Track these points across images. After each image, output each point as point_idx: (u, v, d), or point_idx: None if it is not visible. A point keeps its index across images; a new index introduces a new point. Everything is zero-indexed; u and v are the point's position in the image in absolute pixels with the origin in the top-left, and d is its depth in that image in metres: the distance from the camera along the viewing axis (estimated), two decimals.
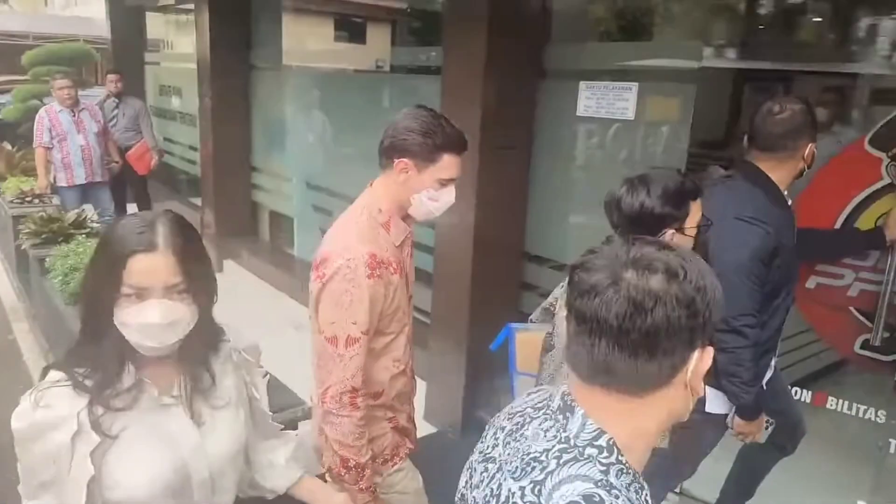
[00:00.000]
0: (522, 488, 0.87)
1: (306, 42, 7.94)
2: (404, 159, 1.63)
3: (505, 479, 0.91)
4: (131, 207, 6.46)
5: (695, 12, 3.77)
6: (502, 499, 0.89)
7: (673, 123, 2.83)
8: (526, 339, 1.97)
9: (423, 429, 3.46)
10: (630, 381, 0.85)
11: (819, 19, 5.49)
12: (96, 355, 1.16)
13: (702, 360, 0.87)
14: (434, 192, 1.65)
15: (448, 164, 1.64)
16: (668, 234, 1.67)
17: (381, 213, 1.70)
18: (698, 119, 2.74)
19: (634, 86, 2.76)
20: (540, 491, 0.85)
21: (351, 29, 10.51)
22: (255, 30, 5.61)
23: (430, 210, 1.69)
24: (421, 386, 3.66)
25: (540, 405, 0.97)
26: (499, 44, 3.00)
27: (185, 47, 7.49)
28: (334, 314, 1.57)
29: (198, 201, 6.27)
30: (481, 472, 0.97)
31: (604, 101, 2.86)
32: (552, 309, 1.93)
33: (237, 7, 5.50)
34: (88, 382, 1.15)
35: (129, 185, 6.33)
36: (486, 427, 1.05)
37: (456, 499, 1.03)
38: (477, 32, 3.01)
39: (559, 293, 1.92)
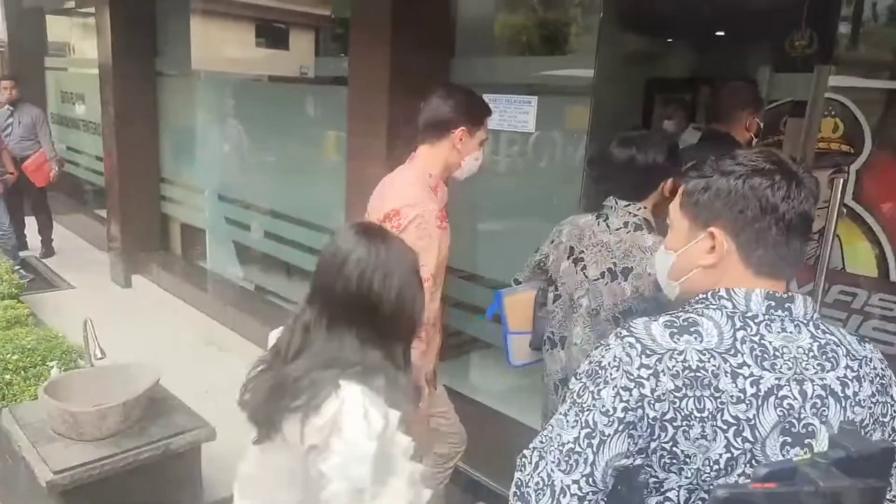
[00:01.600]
0: None
1: (224, 47, 7.73)
2: (462, 127, 1.95)
3: None
4: (29, 221, 6.11)
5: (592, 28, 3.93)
6: None
7: (571, 134, 2.93)
8: (515, 301, 2.12)
9: None
10: None
11: (721, 33, 5.86)
12: None
13: None
14: (478, 153, 2.01)
15: (486, 127, 2.03)
16: (670, 183, 1.89)
17: (431, 178, 1.99)
18: (597, 128, 2.86)
19: (534, 99, 2.84)
20: None
21: (273, 35, 10.31)
22: (163, 34, 5.42)
23: (474, 169, 2.04)
24: None
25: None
26: (403, 57, 3.02)
27: (89, 52, 7.16)
28: (424, 257, 1.71)
29: (104, 213, 5.99)
30: None
31: (506, 114, 2.92)
32: (543, 265, 2.08)
33: (142, 10, 5.30)
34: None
35: (26, 197, 5.98)
36: None
37: None
38: (381, 46, 3.02)
39: (546, 250, 2.07)
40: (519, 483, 0.96)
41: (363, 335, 1.22)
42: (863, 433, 0.94)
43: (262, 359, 1.33)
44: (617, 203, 1.91)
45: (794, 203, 0.94)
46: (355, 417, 1.14)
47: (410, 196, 1.90)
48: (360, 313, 1.22)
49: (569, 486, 0.91)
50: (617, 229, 1.89)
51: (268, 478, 1.29)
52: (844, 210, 2.14)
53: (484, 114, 2.02)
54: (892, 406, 0.97)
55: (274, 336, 1.38)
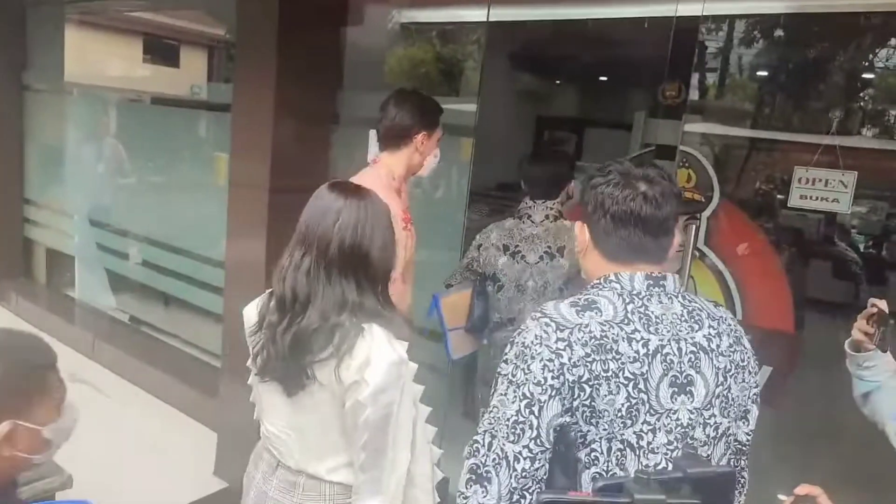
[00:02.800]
0: None
1: (106, 62, 7.30)
2: (423, 132, 2.06)
3: None
4: None
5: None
6: None
7: (458, 166, 3.00)
8: (450, 302, 2.44)
9: (214, 484, 3.24)
10: None
11: (604, 78, 6.26)
12: None
13: None
14: (436, 150, 2.14)
15: (440, 126, 2.14)
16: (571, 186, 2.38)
17: (394, 181, 2.07)
18: (479, 161, 3.02)
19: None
20: None
21: (162, 51, 9.89)
22: (33, 46, 5.04)
23: (434, 165, 2.17)
24: (211, 437, 3.45)
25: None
26: (289, 87, 2.98)
27: None
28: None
29: None
30: None
31: None
32: (471, 268, 2.45)
33: (8, 22, 4.92)
34: None
35: None
36: None
37: None
38: (266, 75, 2.97)
39: (474, 254, 2.44)
40: (475, 467, 1.11)
41: (358, 281, 1.38)
42: (727, 379, 1.18)
43: (267, 322, 1.44)
44: (535, 202, 2.35)
45: (620, 202, 1.16)
46: (384, 351, 1.34)
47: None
48: (355, 262, 1.38)
49: (520, 452, 1.08)
50: (541, 221, 2.33)
51: (306, 421, 1.44)
52: (697, 253, 2.33)
53: (438, 113, 2.15)
54: (746, 353, 1.22)
55: (251, 310, 1.57)
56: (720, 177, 2.89)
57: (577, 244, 1.27)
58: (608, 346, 1.10)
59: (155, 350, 4.17)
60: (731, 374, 1.18)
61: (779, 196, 3.59)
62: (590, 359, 1.09)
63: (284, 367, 1.40)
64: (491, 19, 3.21)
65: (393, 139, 2.08)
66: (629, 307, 1.14)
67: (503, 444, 1.09)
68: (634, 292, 1.15)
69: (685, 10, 2.64)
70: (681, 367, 1.13)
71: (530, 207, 2.36)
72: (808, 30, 3.03)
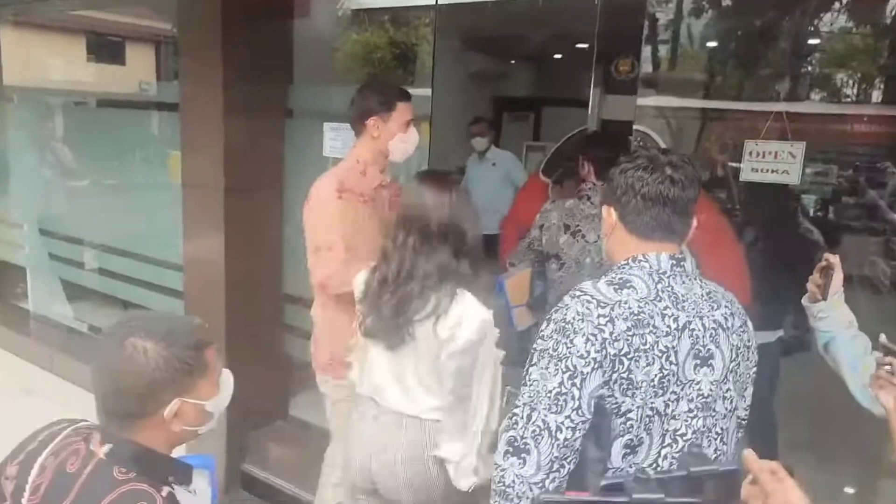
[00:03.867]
0: None
1: (47, 61, 7.02)
2: (372, 117, 2.13)
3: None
4: None
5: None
6: None
7: (417, 152, 2.97)
8: (514, 282, 2.63)
9: None
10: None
11: (559, 56, 6.25)
12: None
13: None
14: (403, 134, 2.16)
15: (403, 109, 2.16)
16: None
17: (358, 164, 2.18)
18: (437, 145, 3.05)
19: None
20: None
21: (107, 49, 9.55)
22: None
23: (405, 149, 2.21)
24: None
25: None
26: (237, 84, 2.91)
27: None
28: (312, 229, 2.09)
29: None
30: None
31: (348, 142, 2.88)
32: (533, 247, 2.58)
33: None
34: None
35: None
36: None
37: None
38: (212, 72, 2.89)
39: (536, 233, 2.56)
40: (513, 439, 1.16)
41: (451, 254, 1.64)
42: (738, 356, 1.26)
43: (372, 291, 1.76)
44: (595, 184, 2.44)
45: (650, 183, 1.24)
46: (474, 313, 1.63)
47: (321, 180, 2.15)
48: (448, 238, 1.66)
49: (563, 423, 1.14)
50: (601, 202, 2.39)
51: (406, 371, 1.75)
52: None
53: (392, 98, 2.17)
54: (750, 333, 1.32)
55: (360, 281, 1.84)
56: (676, 149, 2.92)
57: (603, 226, 1.34)
58: (645, 321, 1.17)
59: None
60: (740, 351, 1.28)
61: (732, 164, 3.66)
62: (630, 333, 1.16)
63: (388, 328, 1.70)
64: (441, 2, 3.18)
65: (354, 125, 2.21)
66: (659, 286, 1.23)
67: (545, 416, 1.15)
68: (661, 271, 1.24)
69: None
70: (703, 342, 1.22)
71: (590, 189, 2.46)
72: None
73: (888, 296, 3.17)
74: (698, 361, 1.21)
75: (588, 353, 1.15)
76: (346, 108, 3.09)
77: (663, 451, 1.20)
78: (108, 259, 4.21)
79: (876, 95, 4.37)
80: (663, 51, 4.54)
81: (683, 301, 1.22)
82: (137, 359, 1.02)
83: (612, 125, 3.93)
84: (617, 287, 1.22)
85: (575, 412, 1.15)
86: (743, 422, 1.35)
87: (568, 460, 1.15)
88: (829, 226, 3.10)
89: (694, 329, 1.21)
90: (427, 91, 3.13)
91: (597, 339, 1.15)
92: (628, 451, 1.19)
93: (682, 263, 1.25)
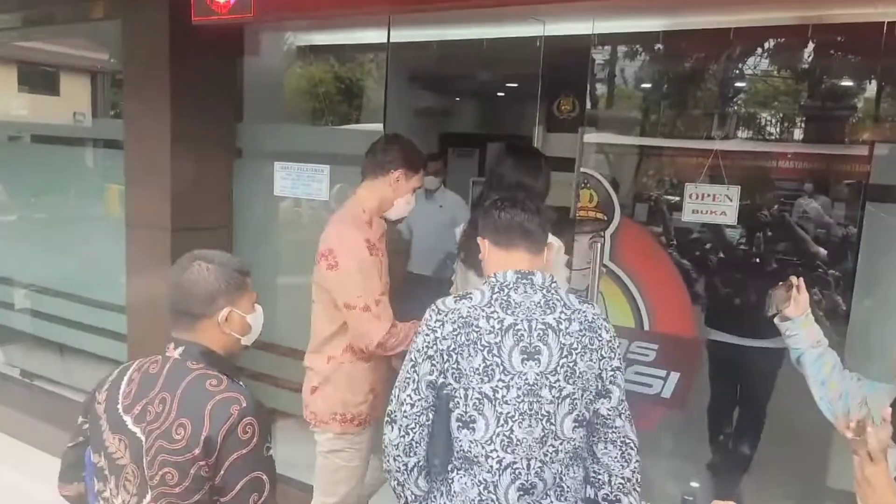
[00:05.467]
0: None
1: None
2: (401, 169, 2.13)
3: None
4: None
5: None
6: None
7: None
8: None
9: None
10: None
11: (502, 94, 6.43)
12: None
13: None
14: (409, 197, 2.20)
15: (420, 177, 2.23)
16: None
17: (364, 213, 2.16)
18: None
19: (327, 168, 2.85)
20: None
21: (40, 79, 9.22)
22: None
23: (404, 212, 2.24)
24: None
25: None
26: (185, 120, 2.88)
27: None
28: (358, 290, 2.03)
29: None
30: None
31: (299, 182, 2.89)
32: None
33: None
34: None
35: None
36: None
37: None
38: (159, 106, 2.86)
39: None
40: (389, 412, 1.55)
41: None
42: (572, 354, 1.48)
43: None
44: None
45: (504, 213, 1.57)
46: (557, 245, 1.90)
47: (341, 234, 2.11)
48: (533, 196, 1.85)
49: (409, 396, 1.51)
50: None
51: None
52: (604, 269, 2.44)
53: (421, 163, 2.26)
54: (598, 339, 1.52)
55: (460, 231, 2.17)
56: (617, 180, 3.05)
57: (482, 254, 1.63)
58: (471, 323, 1.48)
59: (53, 406, 3.86)
60: (577, 351, 1.49)
61: (667, 197, 3.83)
62: (455, 332, 1.48)
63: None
64: (392, 40, 3.24)
65: (372, 169, 2.18)
66: (495, 295, 1.51)
67: (399, 394, 1.53)
68: (504, 283, 1.52)
69: (576, 30, 2.78)
70: (530, 340, 1.47)
71: None
72: (685, 44, 3.26)
73: (820, 324, 3.34)
74: (525, 356, 1.47)
75: (422, 347, 1.51)
76: (296, 148, 3.13)
77: (498, 430, 1.46)
78: (40, 299, 4.03)
79: (798, 134, 4.69)
80: (603, 90, 4.74)
81: (516, 307, 1.49)
82: (202, 273, 1.36)
83: (554, 161, 4.06)
84: (458, 299, 1.54)
85: (414, 391, 1.51)
86: (608, 420, 1.54)
87: (412, 428, 1.51)
88: (757, 257, 3.25)
89: (519, 329, 1.48)
90: (374, 126, 3.16)
91: (430, 338, 1.50)
92: (461, 425, 1.49)
93: (528, 277, 1.53)
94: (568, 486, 1.53)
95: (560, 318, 1.49)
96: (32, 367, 4.18)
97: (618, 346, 1.57)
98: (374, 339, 2.03)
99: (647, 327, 2.44)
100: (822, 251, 3.32)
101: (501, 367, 1.45)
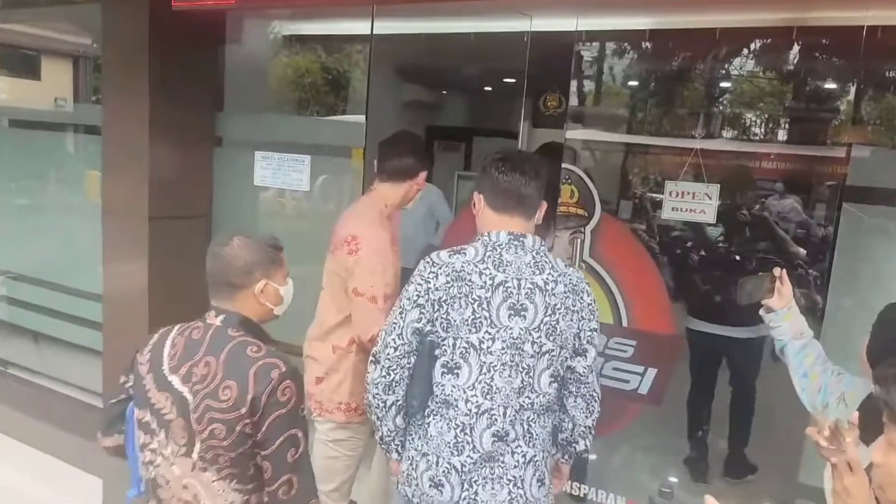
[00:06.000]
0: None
1: None
2: (424, 171, 2.24)
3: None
4: None
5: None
6: None
7: (349, 178, 2.98)
8: None
9: None
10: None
11: (489, 89, 6.42)
12: None
13: None
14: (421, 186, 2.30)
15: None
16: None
17: (386, 208, 2.23)
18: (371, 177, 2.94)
19: (307, 158, 2.82)
20: None
21: (20, 63, 9.06)
22: None
23: (417, 200, 2.34)
24: (96, 484, 3.20)
25: None
26: (164, 107, 2.84)
27: None
28: (372, 279, 2.07)
29: None
30: None
31: (280, 172, 2.87)
32: None
33: None
34: None
35: None
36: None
37: None
38: (138, 93, 2.81)
39: None
40: (374, 352, 1.66)
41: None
42: (555, 313, 1.58)
43: None
44: None
45: (503, 177, 1.62)
46: None
47: (365, 224, 2.15)
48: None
49: (394, 340, 1.62)
50: None
51: None
52: (584, 265, 2.44)
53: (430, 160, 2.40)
54: (581, 302, 1.62)
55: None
56: (600, 178, 3.04)
57: (475, 207, 1.68)
58: (464, 277, 1.57)
59: (27, 394, 3.81)
60: (559, 311, 1.59)
61: (650, 195, 3.84)
62: (448, 285, 1.57)
63: None
64: (376, 32, 3.21)
65: (399, 174, 2.23)
66: (489, 253, 1.60)
67: (385, 337, 1.64)
68: (497, 243, 1.60)
69: (561, 26, 2.77)
70: (518, 298, 1.57)
71: None
72: (669, 43, 3.27)
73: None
74: (512, 311, 1.57)
75: (412, 296, 1.60)
76: (278, 138, 3.10)
77: (480, 377, 1.58)
78: (15, 287, 3.97)
79: (780, 134, 4.72)
80: (589, 87, 4.74)
81: (507, 265, 1.58)
82: (241, 247, 1.48)
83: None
84: (452, 253, 1.62)
85: (398, 336, 1.62)
86: (582, 376, 1.66)
87: (393, 370, 1.62)
88: (737, 255, 3.28)
89: (509, 286, 1.57)
90: (359, 118, 3.14)
91: (422, 287, 1.60)
92: (446, 370, 1.60)
93: (520, 239, 1.61)
94: (536, 435, 1.64)
95: (547, 279, 1.59)
96: (6, 356, 4.13)
97: (597, 309, 1.68)
98: (371, 331, 2.02)
99: (625, 323, 2.45)
100: (802, 251, 3.35)
101: (489, 321, 1.56)
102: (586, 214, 2.50)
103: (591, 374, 1.66)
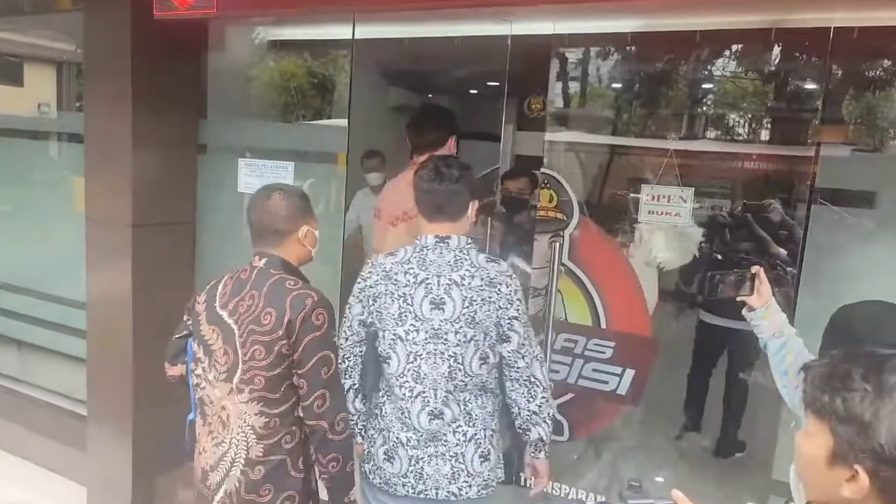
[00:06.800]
0: None
1: None
2: (454, 136, 2.40)
3: None
4: None
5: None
6: None
7: (335, 182, 3.01)
8: None
9: None
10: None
11: (474, 91, 6.45)
12: None
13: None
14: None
15: None
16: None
17: None
18: (353, 179, 3.12)
19: (291, 164, 2.84)
20: None
21: (3, 70, 8.99)
22: None
23: None
24: (80, 493, 3.20)
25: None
26: (147, 114, 2.85)
27: None
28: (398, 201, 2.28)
29: None
30: None
31: (264, 179, 2.87)
32: None
33: None
34: None
35: None
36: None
37: None
38: (121, 99, 2.82)
39: None
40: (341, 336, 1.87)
41: None
42: (472, 305, 1.75)
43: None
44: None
45: (426, 185, 1.81)
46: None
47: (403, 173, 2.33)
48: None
49: (345, 331, 1.86)
50: None
51: None
52: (563, 268, 2.47)
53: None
54: (497, 293, 1.76)
55: None
56: (585, 180, 3.07)
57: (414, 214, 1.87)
58: (391, 276, 1.79)
59: (10, 403, 3.80)
60: (476, 302, 1.75)
61: (632, 195, 3.88)
62: (378, 282, 1.80)
63: None
64: (359, 37, 3.23)
65: (430, 146, 2.37)
66: (415, 254, 1.80)
67: (340, 329, 1.87)
68: (424, 246, 1.80)
69: (540, 30, 2.80)
70: (437, 293, 1.75)
71: None
72: (648, 47, 3.31)
73: None
74: (433, 305, 1.75)
75: (356, 293, 1.85)
76: (262, 144, 3.11)
77: (408, 366, 1.77)
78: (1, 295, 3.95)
79: (764, 135, 4.77)
80: (569, 90, 4.77)
81: (429, 265, 1.77)
82: (283, 200, 1.71)
83: (524, 160, 4.10)
84: (387, 255, 1.85)
85: (348, 328, 1.86)
86: (511, 360, 1.80)
87: (347, 357, 1.84)
88: (720, 254, 3.33)
89: (430, 283, 1.76)
90: (339, 122, 3.16)
91: (360, 285, 1.84)
92: (382, 359, 1.81)
93: (445, 240, 1.80)
94: (476, 415, 1.79)
95: (464, 274, 1.76)
96: None
97: (518, 299, 1.79)
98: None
99: (604, 325, 2.48)
100: (783, 251, 3.39)
101: (413, 314, 1.76)
102: (565, 218, 2.54)
103: (522, 359, 1.79)
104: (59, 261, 3.57)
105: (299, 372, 1.59)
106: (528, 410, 1.81)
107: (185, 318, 1.81)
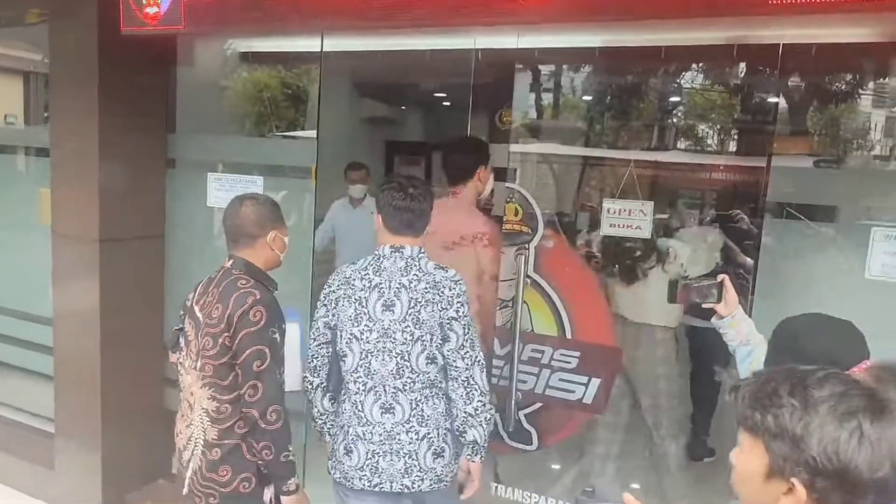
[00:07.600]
0: None
1: None
2: (482, 166, 2.54)
3: None
4: None
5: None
6: None
7: (308, 195, 3.02)
8: None
9: None
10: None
11: (448, 104, 6.51)
12: None
13: None
14: (491, 177, 2.62)
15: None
16: None
17: (470, 205, 2.54)
18: (323, 188, 3.09)
19: (260, 179, 2.85)
20: None
21: None
22: None
23: (490, 189, 2.66)
24: None
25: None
26: (115, 127, 2.85)
27: None
28: (497, 267, 2.43)
29: None
30: None
31: (233, 193, 2.85)
32: None
33: None
34: None
35: None
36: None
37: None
38: (88, 112, 2.81)
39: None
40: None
41: None
42: (417, 306, 1.88)
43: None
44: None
45: (397, 202, 1.93)
46: None
47: (482, 222, 2.49)
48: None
49: (313, 333, 2.01)
50: None
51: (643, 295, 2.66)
52: (529, 280, 2.51)
53: (488, 150, 2.67)
54: (441, 296, 1.89)
55: None
56: (558, 191, 3.09)
57: (375, 226, 1.98)
58: (349, 281, 1.95)
59: None
60: (421, 304, 1.88)
61: (592, 205, 3.94)
62: (338, 287, 1.96)
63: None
64: (328, 49, 3.25)
65: (463, 178, 2.53)
66: (371, 262, 1.95)
67: (311, 331, 2.01)
68: (380, 255, 1.94)
69: (503, 44, 2.85)
70: (388, 296, 1.90)
71: None
72: (622, 61, 3.37)
73: None
74: (384, 307, 1.89)
75: (321, 298, 1.99)
76: (231, 159, 3.11)
77: (361, 362, 1.90)
78: None
79: (732, 146, 4.89)
80: (543, 101, 4.84)
81: (383, 271, 1.92)
82: (254, 207, 1.88)
83: (496, 171, 4.15)
84: (349, 264, 2.00)
85: (316, 330, 2.00)
86: (450, 360, 1.89)
87: (316, 356, 2.00)
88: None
89: (382, 287, 1.91)
90: (308, 133, 3.17)
91: (325, 291, 1.99)
92: (339, 357, 1.95)
93: (400, 250, 1.93)
94: (428, 416, 1.90)
95: (412, 279, 1.90)
96: None
97: (459, 302, 1.90)
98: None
99: (569, 336, 2.53)
100: (749, 261, 3.48)
101: (367, 316, 1.90)
102: (530, 231, 2.58)
103: (461, 360, 1.88)
104: (25, 276, 3.52)
105: (235, 363, 1.75)
106: (465, 412, 1.88)
107: (181, 314, 2.00)
